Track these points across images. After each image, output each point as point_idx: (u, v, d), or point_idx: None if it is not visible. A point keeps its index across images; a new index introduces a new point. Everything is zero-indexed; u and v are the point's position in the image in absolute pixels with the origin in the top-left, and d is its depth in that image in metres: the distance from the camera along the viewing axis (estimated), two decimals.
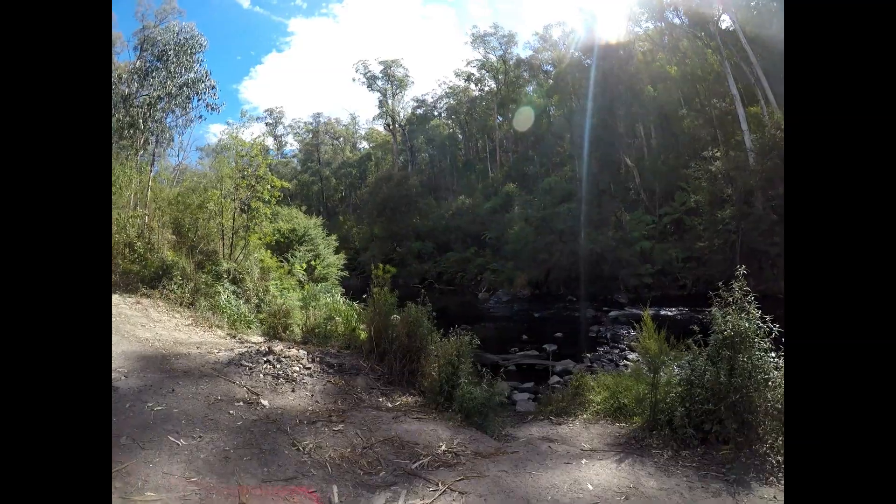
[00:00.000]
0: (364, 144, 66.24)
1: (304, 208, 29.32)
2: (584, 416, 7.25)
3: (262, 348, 8.00)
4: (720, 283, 5.73)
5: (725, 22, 30.84)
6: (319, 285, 19.67)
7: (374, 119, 59.78)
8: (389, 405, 7.27)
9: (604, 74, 34.17)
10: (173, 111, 22.94)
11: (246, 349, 8.00)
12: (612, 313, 20.08)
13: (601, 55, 34.98)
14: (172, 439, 4.25)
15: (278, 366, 7.36)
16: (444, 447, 5.45)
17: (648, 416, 6.01)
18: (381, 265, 10.17)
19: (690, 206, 28.09)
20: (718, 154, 27.21)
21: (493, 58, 50.41)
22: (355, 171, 58.40)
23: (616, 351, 13.69)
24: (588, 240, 26.45)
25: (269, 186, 17.37)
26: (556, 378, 10.87)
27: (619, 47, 35.47)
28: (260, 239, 18.49)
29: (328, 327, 11.08)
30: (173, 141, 23.05)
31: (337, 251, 45.60)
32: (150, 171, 16.91)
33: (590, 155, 32.39)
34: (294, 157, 67.23)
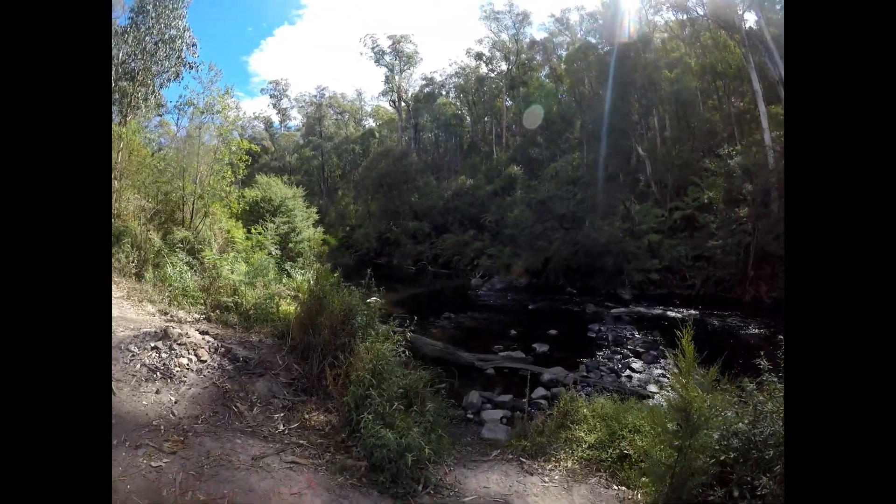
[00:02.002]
0: (370, 122, 63.71)
1: (298, 184, 26.88)
2: (569, 461, 4.95)
3: (158, 331, 6.39)
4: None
5: (749, 21, 28.75)
6: (298, 261, 17.87)
7: (379, 95, 57.30)
8: (279, 428, 5.16)
9: (620, 60, 31.98)
10: (148, 69, 21.31)
11: (148, 330, 6.42)
12: (615, 310, 17.64)
13: (618, 41, 32.70)
14: None
15: (165, 355, 5.91)
16: None
17: (667, 490, 3.67)
18: (320, 233, 8.08)
19: (703, 202, 25.99)
20: (736, 151, 25.21)
21: (505, 37, 47.71)
22: (358, 148, 55.68)
23: (618, 357, 11.32)
24: (592, 228, 23.93)
25: (232, 148, 15.38)
26: (541, 391, 8.49)
27: (638, 35, 33.03)
28: (226, 207, 16.59)
29: (269, 309, 9.12)
30: (147, 101, 21.50)
31: (332, 227, 44.02)
32: (119, 129, 14.73)
33: (600, 140, 30.14)
34: (298, 130, 64.83)
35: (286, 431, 5.23)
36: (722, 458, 3.60)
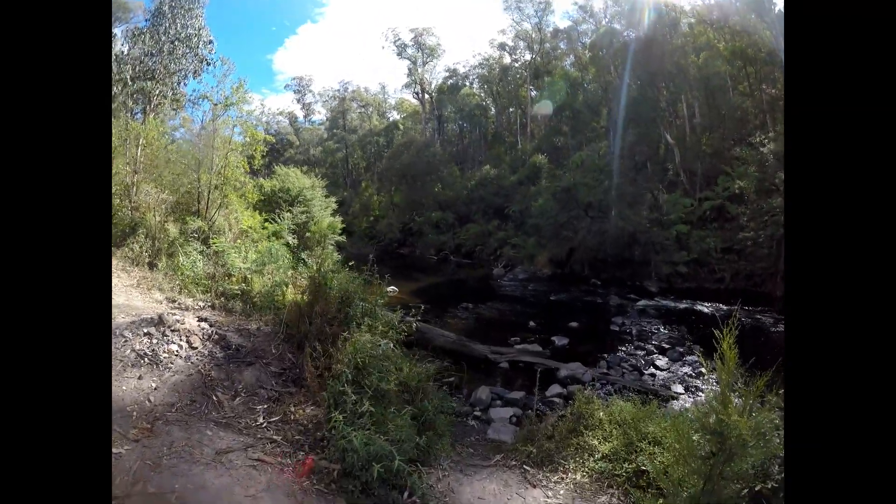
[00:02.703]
0: (394, 115, 63.09)
1: (322, 177, 26.56)
2: (579, 474, 4.36)
3: (154, 317, 6.20)
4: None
5: (779, 3, 27.42)
6: (315, 250, 17.60)
7: (403, 88, 56.68)
8: (258, 421, 4.80)
9: (646, 46, 30.91)
10: (166, 67, 21.70)
11: (145, 317, 6.24)
12: (640, 303, 16.78)
13: (644, 26, 31.54)
14: None
15: (156, 341, 5.71)
16: None
17: None
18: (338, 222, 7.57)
19: (734, 192, 24.74)
20: (768, 139, 23.99)
21: (528, 26, 46.44)
22: (382, 140, 55.08)
23: (641, 353, 10.57)
24: (619, 217, 22.97)
25: (247, 139, 15.27)
26: (556, 388, 7.83)
27: (665, 19, 31.65)
28: (242, 196, 16.52)
29: (275, 296, 8.77)
30: (167, 98, 21.95)
31: (357, 219, 43.77)
32: (138, 126, 14.96)
33: (626, 127, 29.06)
34: (322, 125, 64.72)
35: (265, 425, 4.83)
36: (758, 487, 2.95)
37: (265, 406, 5.18)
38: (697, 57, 31.48)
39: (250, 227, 15.49)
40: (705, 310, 16.15)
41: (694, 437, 3.33)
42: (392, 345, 5.05)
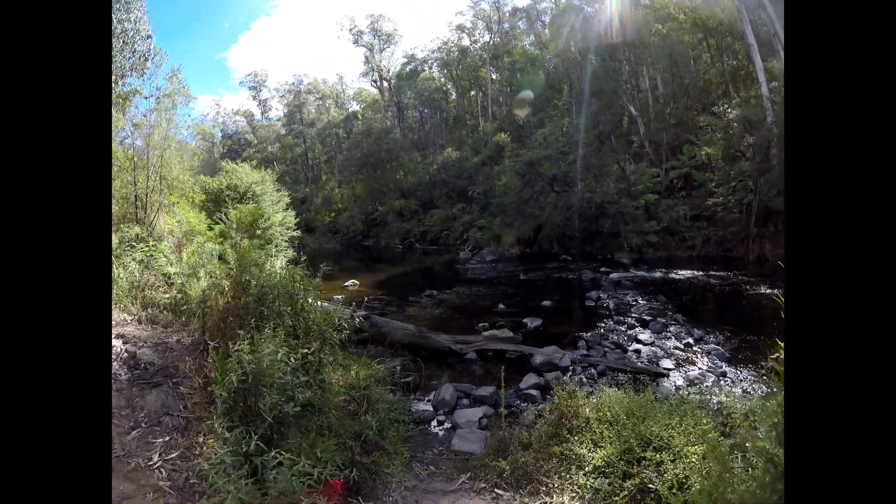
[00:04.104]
0: (353, 106, 61.10)
1: (282, 174, 24.94)
2: (565, 496, 3.21)
3: None
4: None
5: None
6: (267, 248, 16.27)
7: (360, 77, 54.89)
8: (153, 460, 3.67)
9: (607, 20, 30.39)
10: None
11: None
12: (614, 275, 15.74)
13: (602, 2, 30.69)
14: None
15: None
16: None
17: None
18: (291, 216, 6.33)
19: (701, 160, 24.60)
20: (735, 103, 23.61)
21: (485, 6, 45.13)
22: (341, 132, 52.97)
23: (622, 328, 9.49)
24: (586, 189, 22.02)
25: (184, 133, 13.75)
26: (532, 378, 6.60)
27: None
28: (184, 197, 15.04)
29: (208, 301, 7.42)
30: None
31: (319, 213, 42.02)
32: None
33: (589, 101, 28.23)
34: (279, 121, 62.23)
35: (158, 464, 3.59)
36: None
37: (166, 439, 3.96)
38: (662, 26, 30.75)
39: (195, 230, 14.11)
40: (680, 277, 15.33)
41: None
42: (292, 357, 3.79)
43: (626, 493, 3.14)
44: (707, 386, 5.26)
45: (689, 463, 3.20)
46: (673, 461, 3.24)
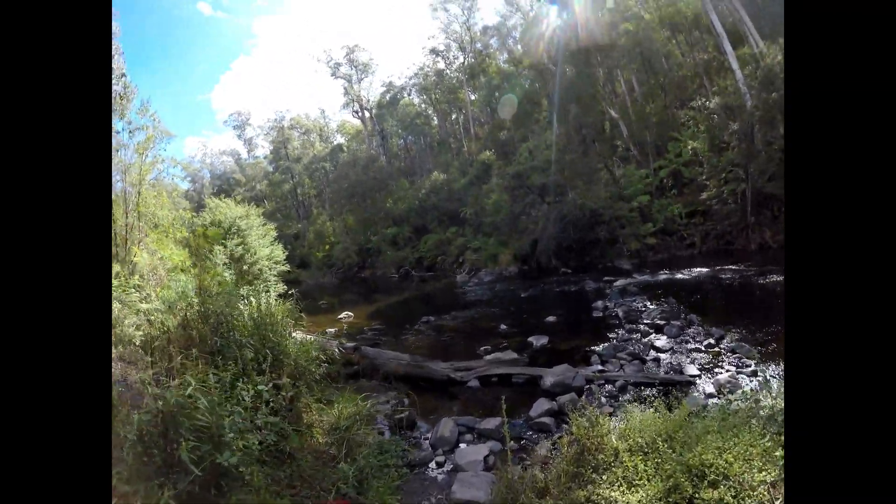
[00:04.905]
0: (338, 138, 60.99)
1: (274, 211, 24.34)
2: None
3: None
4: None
5: None
6: (255, 284, 15.77)
7: (342, 108, 54.81)
8: None
9: (575, 28, 30.01)
10: None
11: None
12: (619, 283, 14.98)
13: (571, 7, 30.54)
14: None
15: None
16: None
17: None
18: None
19: (687, 156, 24.21)
20: (713, 93, 23.42)
21: (456, 27, 45.21)
22: (328, 165, 52.73)
23: (636, 336, 8.72)
24: (578, 196, 21.42)
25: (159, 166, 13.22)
26: (543, 404, 5.76)
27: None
28: (165, 235, 14.52)
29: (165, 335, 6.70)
30: None
31: (313, 248, 41.35)
32: None
33: (569, 108, 27.91)
34: (265, 158, 62.07)
35: None
36: None
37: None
38: (630, 25, 30.89)
39: (179, 266, 13.46)
40: (685, 277, 14.62)
41: None
42: (244, 394, 3.06)
43: None
44: (749, 390, 4.51)
45: (757, 496, 2.46)
46: (736, 497, 2.49)
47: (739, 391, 3.90)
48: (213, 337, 4.26)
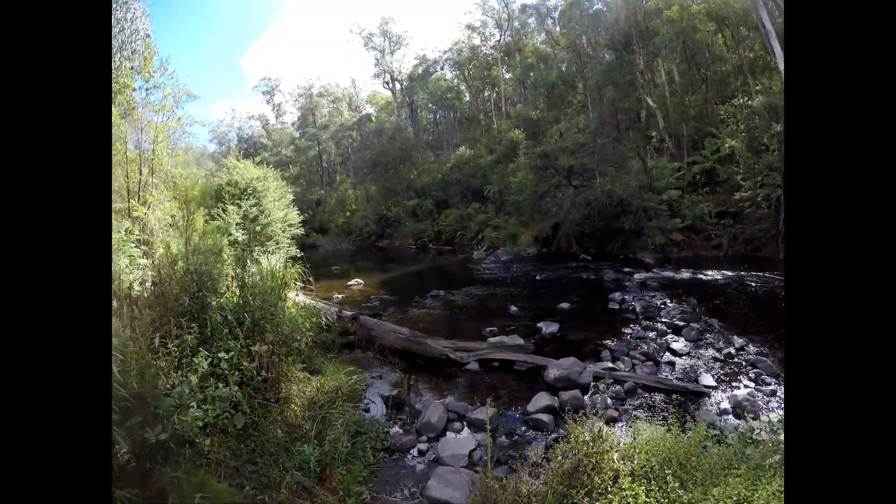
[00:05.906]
0: (368, 109, 60.32)
1: (297, 177, 24.03)
2: None
3: None
4: None
5: None
6: (268, 245, 15.62)
7: (373, 78, 54.04)
8: None
9: (617, 12, 29.44)
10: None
11: None
12: (639, 276, 14.33)
13: None
14: None
15: None
16: None
17: None
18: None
19: (724, 153, 22.90)
20: (757, 91, 22.52)
21: (494, 3, 43.79)
22: (355, 134, 52.21)
23: (651, 335, 8.15)
24: (607, 182, 20.60)
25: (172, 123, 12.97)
26: (543, 399, 5.27)
27: None
28: (176, 185, 14.26)
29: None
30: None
31: (333, 215, 41.14)
32: None
33: (605, 93, 26.88)
34: (293, 124, 61.76)
35: None
36: None
37: None
38: (673, 13, 29.35)
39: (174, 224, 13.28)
40: (709, 279, 13.88)
41: None
42: (202, 362, 2.64)
43: None
44: (776, 420, 3.91)
45: None
46: None
47: (765, 418, 3.36)
48: (183, 296, 3.85)
